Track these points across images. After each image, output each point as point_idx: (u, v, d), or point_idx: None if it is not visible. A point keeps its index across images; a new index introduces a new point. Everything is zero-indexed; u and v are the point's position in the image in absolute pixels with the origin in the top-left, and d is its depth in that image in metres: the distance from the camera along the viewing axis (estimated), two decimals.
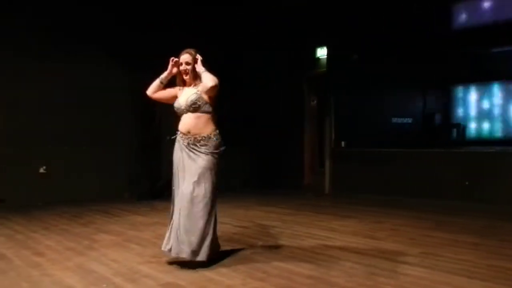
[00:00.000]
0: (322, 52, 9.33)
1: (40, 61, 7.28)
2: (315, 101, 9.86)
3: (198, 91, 3.82)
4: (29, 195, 7.15)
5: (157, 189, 8.09)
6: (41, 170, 7.34)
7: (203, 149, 3.76)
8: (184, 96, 3.87)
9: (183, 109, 3.84)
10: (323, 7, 8.76)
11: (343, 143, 8.74)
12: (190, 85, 3.92)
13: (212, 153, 3.78)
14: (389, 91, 9.26)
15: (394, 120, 9.49)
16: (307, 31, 9.22)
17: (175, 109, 3.93)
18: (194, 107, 3.79)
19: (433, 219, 5.75)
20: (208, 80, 3.75)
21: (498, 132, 10.13)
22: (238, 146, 9.36)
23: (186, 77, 3.91)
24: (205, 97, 3.81)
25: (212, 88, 3.73)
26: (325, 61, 9.13)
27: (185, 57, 3.90)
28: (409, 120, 9.78)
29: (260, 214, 6.28)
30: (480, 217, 5.81)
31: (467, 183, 7.02)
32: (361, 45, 8.90)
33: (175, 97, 3.95)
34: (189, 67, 3.88)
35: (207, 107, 3.83)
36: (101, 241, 4.72)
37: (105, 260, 3.98)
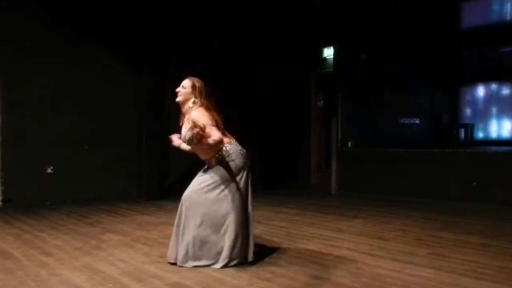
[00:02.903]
0: (329, 52, 9.32)
1: (42, 61, 7.29)
2: (322, 101, 9.85)
3: (190, 128, 3.65)
4: (36, 195, 7.19)
5: (165, 188, 8.11)
6: (49, 170, 7.38)
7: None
8: (184, 128, 3.79)
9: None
10: (330, 7, 8.74)
11: (350, 143, 8.71)
12: (186, 111, 3.83)
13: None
14: (396, 91, 9.22)
15: (402, 120, 9.44)
16: (314, 31, 9.21)
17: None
18: (191, 144, 3.73)
19: (441, 220, 5.72)
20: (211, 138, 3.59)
21: (507, 133, 10.05)
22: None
23: (176, 99, 3.85)
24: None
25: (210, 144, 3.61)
26: (332, 61, 9.11)
27: (184, 81, 3.89)
28: (417, 120, 9.73)
29: (268, 214, 6.28)
30: (489, 218, 5.77)
31: (475, 183, 6.98)
32: (369, 45, 8.87)
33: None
34: (183, 90, 3.83)
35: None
36: (108, 241, 4.73)
37: (112, 260, 3.99)
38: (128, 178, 8.02)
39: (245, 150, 3.94)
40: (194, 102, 3.79)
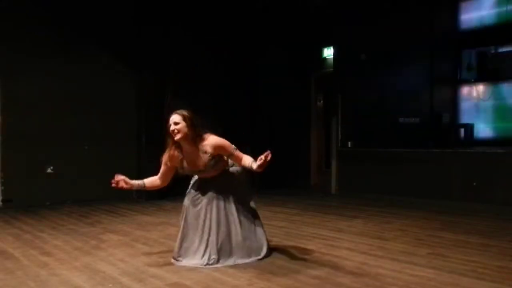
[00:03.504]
0: (329, 52, 9.31)
1: (42, 61, 7.30)
2: (322, 101, 9.84)
3: (210, 154, 3.75)
4: (36, 195, 7.19)
5: (165, 189, 8.08)
6: (49, 170, 7.38)
7: None
8: (195, 161, 3.79)
9: (200, 172, 3.89)
10: (331, 7, 8.74)
11: (349, 143, 8.71)
12: (188, 144, 3.76)
13: None
14: (396, 91, 9.22)
15: (401, 119, 9.43)
16: (314, 31, 9.20)
17: (186, 173, 3.92)
18: (215, 168, 3.86)
19: (441, 220, 5.72)
20: (246, 161, 3.77)
21: (506, 132, 10.03)
22: (244, 146, 9.37)
23: (177, 137, 3.70)
24: (217, 155, 3.80)
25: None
26: (331, 61, 9.11)
27: (173, 117, 3.73)
28: (417, 120, 9.72)
29: (268, 214, 6.26)
30: (489, 218, 5.77)
31: (475, 183, 6.98)
32: (369, 45, 8.87)
33: (176, 164, 3.85)
34: (177, 126, 3.69)
35: (222, 161, 3.93)
36: (108, 241, 4.73)
37: (112, 260, 3.99)
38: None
39: None
40: (197, 135, 3.74)
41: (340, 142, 8.75)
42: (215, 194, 3.89)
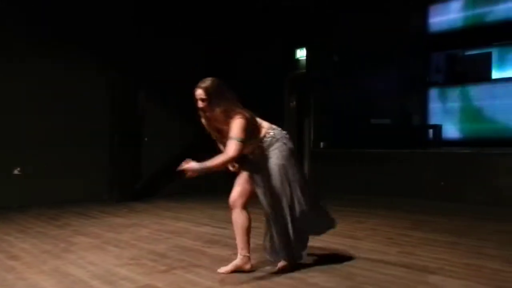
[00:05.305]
0: (301, 53, 9.38)
1: (14, 59, 7.12)
2: (295, 102, 9.90)
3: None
4: (3, 197, 6.99)
5: (137, 190, 8.01)
6: (16, 172, 7.19)
7: None
8: (222, 133, 3.59)
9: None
10: (303, 8, 8.81)
11: (322, 144, 8.78)
12: (215, 115, 3.47)
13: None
14: (368, 92, 9.35)
15: (373, 120, 9.57)
16: (288, 33, 9.25)
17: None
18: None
19: (412, 219, 5.82)
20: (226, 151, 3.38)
21: (473, 133, 10.28)
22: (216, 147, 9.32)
23: (205, 114, 3.48)
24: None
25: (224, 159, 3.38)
26: (304, 62, 9.18)
27: (198, 92, 3.42)
28: (388, 121, 9.88)
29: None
30: (458, 217, 5.90)
31: (442, 183, 7.13)
32: (341, 47, 8.97)
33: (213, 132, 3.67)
34: (206, 103, 3.40)
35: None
36: (78, 244, 4.64)
37: (82, 263, 3.92)
38: (99, 180, 7.88)
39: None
40: (225, 109, 3.42)
41: (312, 143, 8.82)
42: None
